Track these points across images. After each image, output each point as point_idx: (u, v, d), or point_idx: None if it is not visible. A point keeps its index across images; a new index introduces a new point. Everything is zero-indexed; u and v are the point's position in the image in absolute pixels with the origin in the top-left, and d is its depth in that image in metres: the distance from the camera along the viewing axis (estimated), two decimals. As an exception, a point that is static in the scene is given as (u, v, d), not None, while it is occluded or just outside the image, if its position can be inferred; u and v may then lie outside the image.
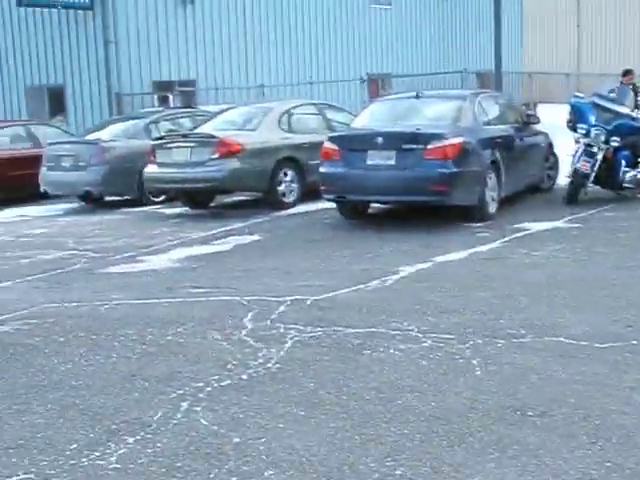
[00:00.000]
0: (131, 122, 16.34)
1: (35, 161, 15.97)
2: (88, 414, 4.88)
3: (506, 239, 9.96)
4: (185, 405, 4.92)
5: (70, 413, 4.91)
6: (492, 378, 5.14)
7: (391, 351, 5.78)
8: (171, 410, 4.86)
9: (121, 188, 15.36)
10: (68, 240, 11.81)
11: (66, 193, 16.08)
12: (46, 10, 22.78)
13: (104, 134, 15.89)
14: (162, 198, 15.27)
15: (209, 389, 5.18)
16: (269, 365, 5.60)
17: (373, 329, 6.33)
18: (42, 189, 15.89)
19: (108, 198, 16.05)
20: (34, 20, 23.54)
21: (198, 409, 4.86)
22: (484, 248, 9.48)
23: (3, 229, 13.51)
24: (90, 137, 16.12)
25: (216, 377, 5.39)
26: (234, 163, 13.07)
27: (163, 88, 23.28)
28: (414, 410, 4.68)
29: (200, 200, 14.42)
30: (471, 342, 5.88)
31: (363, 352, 5.80)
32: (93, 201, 16.01)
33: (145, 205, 15.06)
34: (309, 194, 13.60)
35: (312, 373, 5.39)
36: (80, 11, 22.54)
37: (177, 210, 14.30)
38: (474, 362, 5.45)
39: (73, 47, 23.10)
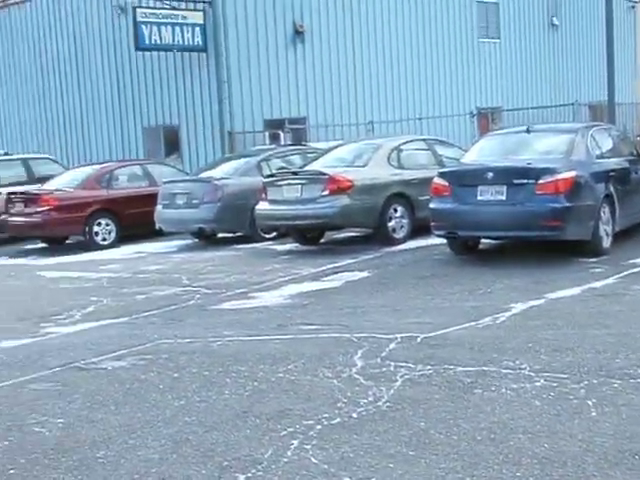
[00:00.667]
0: (243, 160, 16.65)
1: (151, 199, 16.42)
2: (200, 450, 4.96)
3: (621, 275, 9.70)
4: (295, 443, 4.95)
5: (183, 449, 5.00)
6: (608, 420, 5.00)
7: (503, 390, 5.69)
8: (282, 448, 4.90)
9: (233, 225, 15.64)
10: (182, 276, 12.08)
11: (180, 230, 16.47)
12: (163, 53, 23.51)
13: (217, 172, 16.24)
14: (273, 235, 15.46)
15: (319, 427, 5.20)
16: (379, 404, 5.58)
17: (484, 367, 6.25)
18: (157, 226, 16.32)
19: (220, 235, 16.36)
20: (151, 63, 24.32)
21: (308, 447, 4.88)
22: (598, 284, 9.25)
23: (121, 265, 13.92)
24: (203, 175, 16.50)
25: (326, 415, 5.40)
26: (344, 200, 13.17)
27: (274, 126, 23.67)
28: (527, 452, 4.59)
29: (311, 236, 14.57)
30: (586, 382, 5.74)
31: (474, 391, 5.73)
32: (206, 238, 16.36)
33: (256, 241, 15.28)
34: (419, 230, 13.56)
35: (422, 412, 5.36)
36: (194, 53, 23.19)
37: (288, 246, 14.46)
38: (589, 403, 5.32)
39: (188, 88, 23.75)
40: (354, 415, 5.38)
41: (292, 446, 4.91)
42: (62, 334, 8.74)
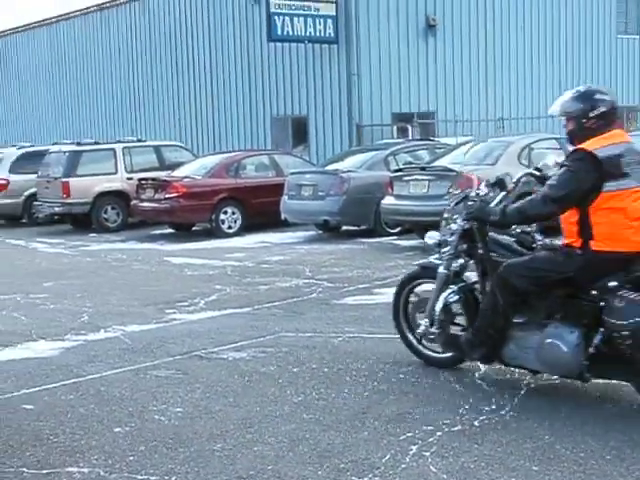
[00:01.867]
0: (370, 153, 16.55)
1: (277, 189, 16.51)
2: (317, 450, 4.88)
3: None
4: (414, 449, 4.82)
5: (300, 447, 4.93)
6: None
7: (635, 407, 5.41)
8: (400, 453, 4.77)
9: (358, 218, 15.57)
10: (305, 268, 12.07)
11: (305, 221, 16.50)
12: (294, 44, 23.62)
13: (343, 165, 16.20)
14: (397, 229, 15.31)
15: (439, 434, 5.05)
16: (502, 412, 5.39)
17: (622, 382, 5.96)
18: (282, 217, 16.40)
19: (345, 228, 16.31)
20: (282, 53, 24.48)
21: (427, 454, 4.74)
22: None
23: (245, 254, 14.03)
24: (330, 167, 16.48)
25: (447, 421, 5.25)
26: (472, 197, 12.87)
27: (402, 120, 23.48)
28: (660, 476, 4.34)
29: (435, 233, 14.33)
30: None
31: (604, 406, 5.47)
32: (330, 230, 16.34)
33: (380, 236, 15.15)
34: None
35: (547, 425, 5.14)
36: (325, 45, 23.21)
37: (412, 242, 14.27)
38: None
39: (317, 79, 23.80)
40: (476, 423, 5.21)
41: (411, 452, 4.78)
42: (185, 321, 8.83)
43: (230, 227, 17.16)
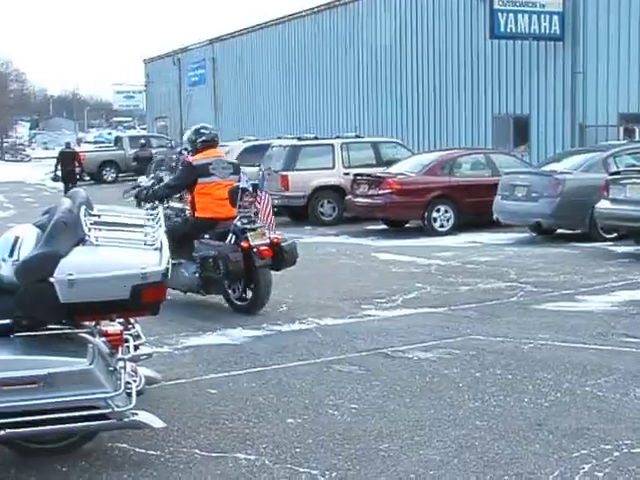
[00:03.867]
0: (589, 154, 15.87)
1: (491, 189, 16.19)
2: (483, 459, 4.75)
3: None
4: (586, 468, 4.58)
5: (466, 455, 4.82)
6: None
7: None
8: (570, 470, 4.55)
9: (572, 222, 15.00)
10: (510, 270, 11.77)
11: (517, 223, 16.09)
12: (518, 42, 23.10)
13: (560, 166, 15.65)
14: (614, 235, 14.61)
15: (617, 454, 4.76)
16: (692, 437, 5.01)
17: None
18: (495, 217, 16.08)
19: (559, 231, 15.78)
20: (505, 50, 24.00)
21: (600, 475, 4.49)
22: None
23: (453, 254, 13.88)
24: (546, 168, 15.98)
25: (628, 442, 4.95)
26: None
27: (630, 120, 22.38)
28: None
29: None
30: None
31: None
32: (543, 233, 15.85)
33: (596, 241, 14.53)
34: None
35: None
36: (550, 42, 22.52)
37: (628, 249, 13.59)
38: None
39: (541, 77, 23.13)
40: (659, 446, 4.88)
41: (582, 471, 4.55)
42: (379, 318, 8.85)
43: (442, 225, 17.03)
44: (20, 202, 27.65)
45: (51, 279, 4.38)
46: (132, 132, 62.21)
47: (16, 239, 4.70)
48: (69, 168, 27.57)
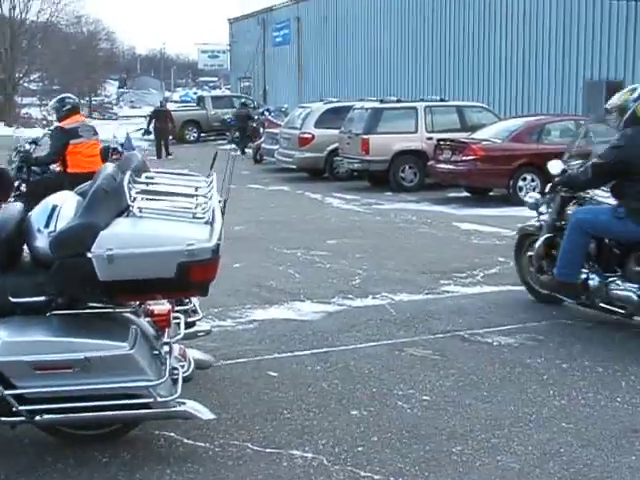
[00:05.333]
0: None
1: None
2: (570, 470, 4.18)
3: None
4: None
5: (550, 464, 4.26)
6: None
7: None
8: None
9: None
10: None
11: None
12: (614, 2, 21.94)
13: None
14: None
15: None
16: None
17: None
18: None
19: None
20: (601, 11, 22.85)
21: None
22: None
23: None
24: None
25: None
26: None
27: None
28: None
29: None
30: None
31: None
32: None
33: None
34: None
35: None
36: (651, 2, 21.32)
37: None
38: None
39: (638, 40, 21.96)
40: None
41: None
42: (457, 295, 8.27)
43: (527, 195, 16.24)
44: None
45: (88, 254, 3.92)
46: (216, 92, 62.07)
47: (54, 208, 4.25)
48: (162, 125, 28.05)
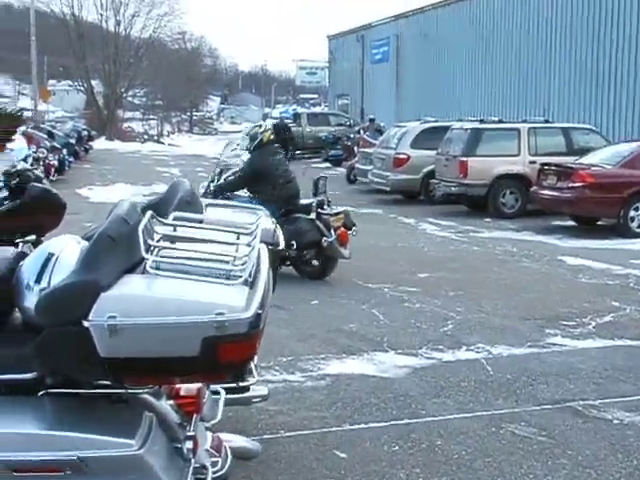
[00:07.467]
0: None
1: None
2: None
3: None
4: None
5: None
6: None
7: None
8: None
9: None
10: None
11: None
12: None
13: None
14: None
15: None
16: None
17: None
18: None
19: None
20: None
21: None
22: None
23: None
24: None
25: None
26: None
27: None
28: None
29: None
30: None
31: None
32: None
33: None
34: None
35: None
36: None
37: None
38: None
39: None
40: None
41: None
42: (567, 349, 7.08)
43: (640, 226, 14.88)
44: (193, 176, 27.07)
45: (85, 322, 2.94)
46: (313, 109, 61.51)
47: (49, 257, 3.27)
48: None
